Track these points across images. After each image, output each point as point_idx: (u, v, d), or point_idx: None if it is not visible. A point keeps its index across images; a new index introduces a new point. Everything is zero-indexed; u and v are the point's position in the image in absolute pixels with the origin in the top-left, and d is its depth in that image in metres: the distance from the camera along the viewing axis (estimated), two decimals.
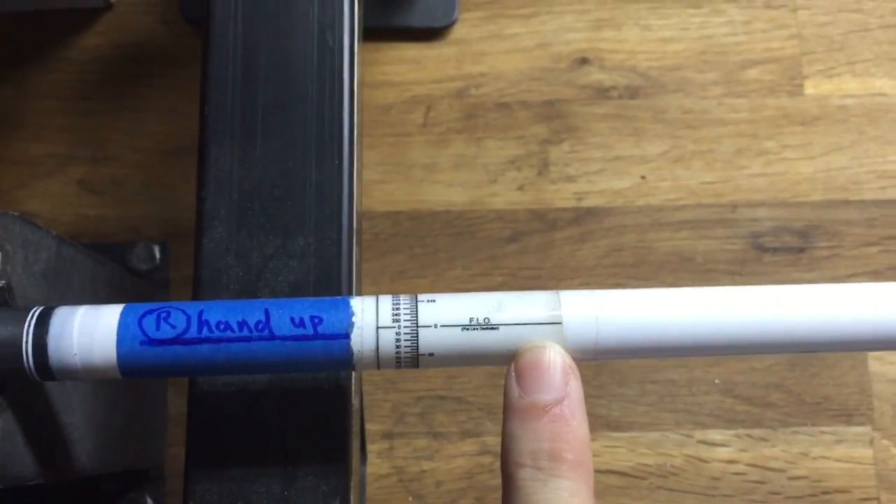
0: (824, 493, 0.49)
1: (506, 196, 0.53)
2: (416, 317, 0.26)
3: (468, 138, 0.54)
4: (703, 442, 0.50)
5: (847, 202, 0.54)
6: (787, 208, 0.54)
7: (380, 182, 0.53)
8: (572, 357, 0.26)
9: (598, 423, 0.49)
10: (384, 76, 0.55)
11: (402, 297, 0.26)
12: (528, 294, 0.27)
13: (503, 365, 0.26)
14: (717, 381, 0.51)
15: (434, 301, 0.26)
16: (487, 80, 0.55)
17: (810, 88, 0.56)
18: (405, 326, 0.26)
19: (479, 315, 0.26)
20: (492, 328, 0.26)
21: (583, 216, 0.53)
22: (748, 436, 0.50)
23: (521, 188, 0.53)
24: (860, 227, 0.53)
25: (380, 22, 0.55)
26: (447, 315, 0.26)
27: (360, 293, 0.32)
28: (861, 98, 0.56)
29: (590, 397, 0.49)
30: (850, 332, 0.27)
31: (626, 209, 0.53)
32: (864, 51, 0.56)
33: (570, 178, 0.54)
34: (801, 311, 0.27)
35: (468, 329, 0.26)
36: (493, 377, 0.50)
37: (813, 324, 0.27)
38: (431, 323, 0.26)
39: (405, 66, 0.55)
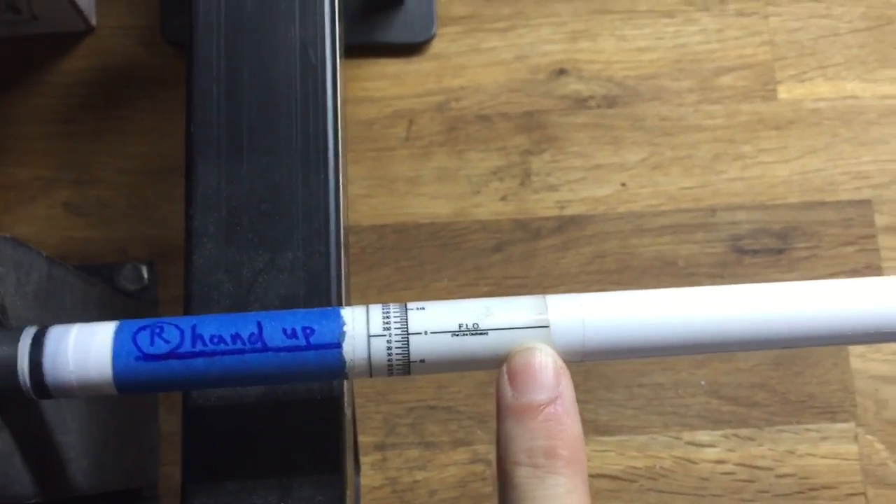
0: (811, 489, 0.50)
1: (489, 207, 0.54)
2: (407, 324, 0.26)
3: (450, 151, 0.55)
4: (692, 443, 0.51)
5: (823, 203, 0.55)
6: (765, 211, 0.55)
7: (364, 196, 0.54)
8: (561, 358, 0.27)
9: (588, 427, 0.50)
10: (366, 92, 0.56)
11: (392, 305, 0.27)
12: (515, 299, 0.27)
13: (493, 369, 0.27)
14: (702, 382, 0.52)
15: (423, 308, 0.27)
16: (467, 94, 0.56)
17: (783, 93, 0.57)
18: (396, 334, 0.26)
19: (469, 321, 0.27)
20: (481, 333, 0.27)
21: (565, 224, 0.54)
22: (735, 436, 0.51)
23: (503, 198, 0.54)
24: (837, 227, 0.55)
25: (360, 39, 0.56)
26: (437, 322, 0.26)
27: (349, 305, 0.32)
28: (833, 101, 0.57)
29: (578, 402, 0.49)
30: (830, 326, 0.28)
31: (607, 216, 0.54)
32: (834, 55, 0.58)
33: (552, 188, 0.55)
34: (783, 307, 0.28)
35: (458, 335, 0.27)
36: (482, 386, 0.51)
37: (794, 319, 0.27)
38: (421, 330, 0.26)
39: (386, 81, 0.56)
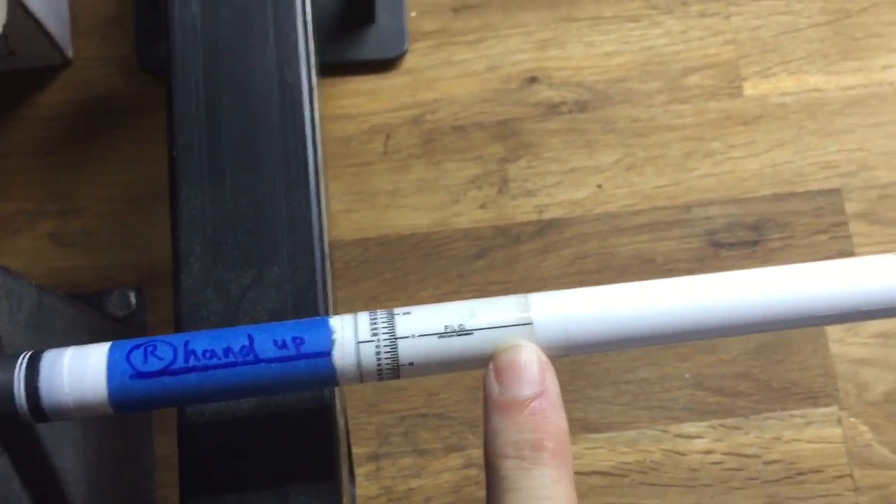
0: (799, 474, 0.51)
1: (469, 215, 0.55)
2: (394, 329, 0.27)
3: (428, 162, 0.56)
4: (680, 435, 0.52)
5: (794, 194, 0.56)
6: (738, 205, 0.56)
7: (346, 211, 0.54)
8: (546, 354, 0.28)
9: (577, 426, 0.50)
10: (342, 109, 0.57)
11: (379, 311, 0.28)
12: (499, 299, 0.28)
13: (480, 368, 0.27)
14: (687, 375, 0.53)
15: (410, 313, 0.28)
16: (442, 106, 0.57)
17: (749, 89, 0.58)
18: (384, 339, 0.27)
19: (454, 322, 0.27)
20: (467, 333, 0.27)
21: (545, 228, 0.55)
22: (722, 425, 0.52)
23: (483, 206, 0.55)
24: (809, 216, 0.56)
25: (333, 57, 0.57)
26: (423, 325, 0.27)
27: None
28: (798, 95, 0.58)
29: (567, 401, 0.50)
30: (804, 306, 0.29)
31: (585, 218, 0.55)
32: (796, 50, 0.59)
33: (530, 193, 0.56)
34: (758, 291, 0.29)
35: (444, 336, 0.27)
36: (472, 391, 0.51)
37: (770, 302, 0.29)
38: (409, 333, 0.27)
39: (361, 98, 0.57)
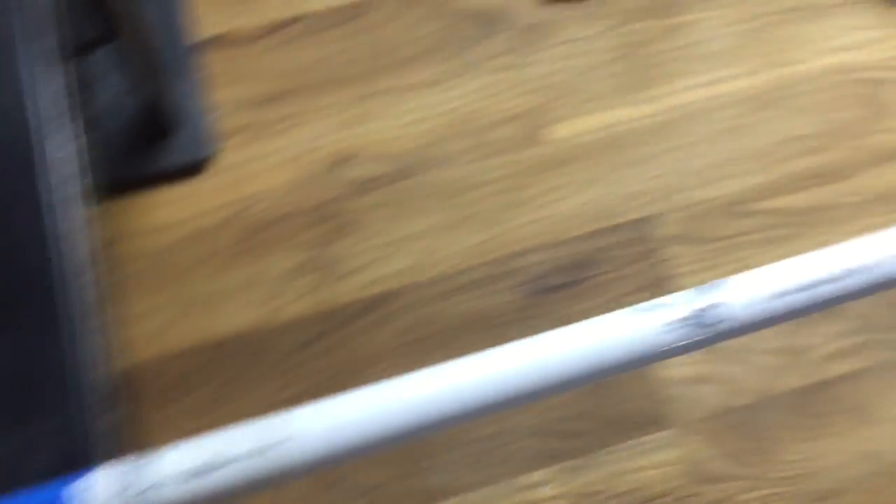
0: (647, 500, 0.52)
1: (296, 304, 0.55)
2: (143, 480, 0.27)
3: (250, 259, 0.56)
4: (527, 486, 0.52)
5: (609, 228, 0.59)
6: (558, 247, 0.58)
7: (169, 324, 0.54)
8: (301, 469, 0.28)
9: (427, 495, 0.51)
10: (157, 220, 0.57)
11: (123, 463, 0.28)
12: (251, 426, 0.29)
13: (248, 496, 0.28)
14: (528, 425, 0.54)
15: (158, 458, 0.28)
16: (259, 199, 0.58)
17: (555, 134, 0.61)
18: (132, 496, 0.27)
19: (204, 460, 0.28)
20: (218, 468, 0.28)
21: (375, 303, 0.56)
22: (567, 468, 0.53)
23: (309, 293, 0.56)
24: (627, 247, 0.58)
25: (139, 171, 0.57)
26: (173, 469, 0.28)
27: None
28: (601, 131, 0.61)
29: (416, 471, 0.51)
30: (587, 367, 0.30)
31: (414, 286, 0.56)
32: (595, 88, 0.62)
33: (355, 271, 0.56)
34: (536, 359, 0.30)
35: (196, 477, 0.28)
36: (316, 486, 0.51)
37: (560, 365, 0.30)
38: (158, 482, 0.27)
39: (175, 205, 0.57)
